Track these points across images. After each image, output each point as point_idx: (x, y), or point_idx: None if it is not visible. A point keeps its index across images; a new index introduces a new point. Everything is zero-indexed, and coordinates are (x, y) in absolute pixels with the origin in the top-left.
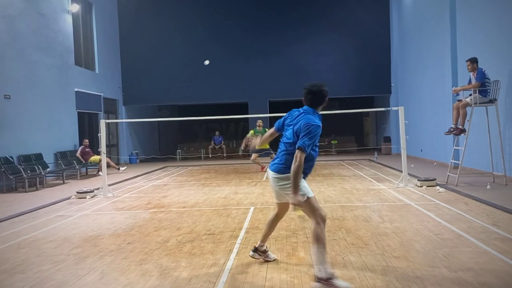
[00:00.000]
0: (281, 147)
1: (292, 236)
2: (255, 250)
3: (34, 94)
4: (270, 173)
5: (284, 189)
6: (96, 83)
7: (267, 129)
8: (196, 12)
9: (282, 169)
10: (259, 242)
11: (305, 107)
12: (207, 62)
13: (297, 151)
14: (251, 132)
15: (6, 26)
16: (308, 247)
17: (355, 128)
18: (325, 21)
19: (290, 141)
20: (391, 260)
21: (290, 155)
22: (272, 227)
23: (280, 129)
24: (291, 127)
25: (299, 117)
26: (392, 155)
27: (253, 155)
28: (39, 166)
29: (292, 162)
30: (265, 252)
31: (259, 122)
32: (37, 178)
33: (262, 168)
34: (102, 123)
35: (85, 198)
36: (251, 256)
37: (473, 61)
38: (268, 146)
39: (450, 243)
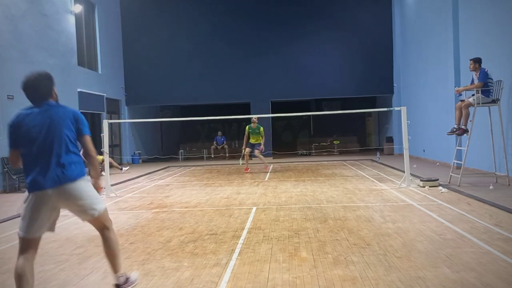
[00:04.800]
0: None
1: (294, 237)
2: None
3: None
4: None
5: None
6: (99, 83)
7: (261, 126)
8: (199, 13)
9: None
10: None
11: None
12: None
13: None
14: (247, 128)
15: (9, 27)
16: (310, 247)
17: (358, 128)
18: (328, 22)
19: None
20: (394, 261)
21: None
22: None
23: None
24: None
25: None
26: (395, 155)
27: (247, 150)
28: None
29: None
30: None
31: (254, 119)
32: None
33: (247, 169)
34: (105, 123)
35: None
36: None
37: (476, 61)
38: (260, 140)
39: (453, 243)
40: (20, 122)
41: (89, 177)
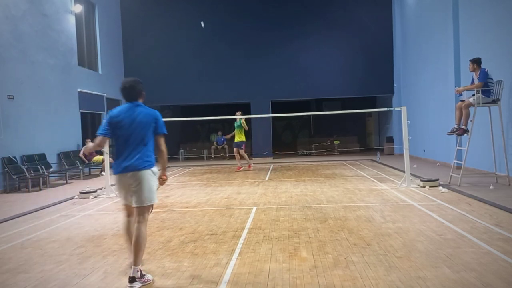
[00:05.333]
0: None
1: (294, 237)
2: None
3: (37, 95)
4: None
5: None
6: (99, 83)
7: (243, 120)
8: (199, 13)
9: None
10: None
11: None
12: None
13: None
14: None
15: (9, 27)
16: (310, 247)
17: (358, 128)
18: (328, 22)
19: None
20: (394, 261)
21: None
22: None
23: None
24: None
25: None
26: (395, 155)
27: (234, 150)
28: (42, 166)
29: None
30: None
31: (237, 113)
32: (40, 178)
33: (238, 168)
34: None
35: (88, 198)
36: None
37: (475, 61)
38: (244, 138)
39: (453, 243)
40: (116, 115)
41: (156, 169)
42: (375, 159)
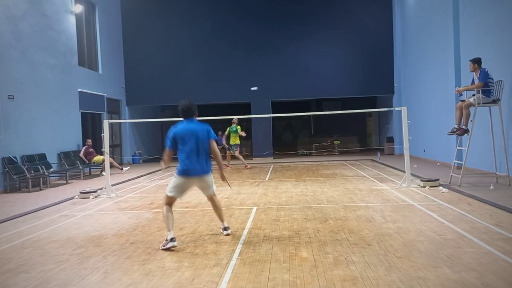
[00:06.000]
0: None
1: (294, 237)
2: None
3: (38, 95)
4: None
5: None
6: (99, 83)
7: (239, 126)
8: (199, 12)
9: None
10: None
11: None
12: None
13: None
14: (228, 129)
15: (9, 27)
16: (311, 247)
17: (358, 128)
18: (328, 22)
19: None
20: (394, 261)
21: None
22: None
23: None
24: None
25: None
26: (395, 155)
27: (228, 152)
28: (43, 166)
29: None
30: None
31: (234, 119)
32: (41, 178)
33: (226, 166)
34: (106, 123)
35: (89, 198)
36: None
37: (475, 61)
38: (239, 141)
39: (453, 243)
40: (179, 131)
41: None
42: (376, 159)
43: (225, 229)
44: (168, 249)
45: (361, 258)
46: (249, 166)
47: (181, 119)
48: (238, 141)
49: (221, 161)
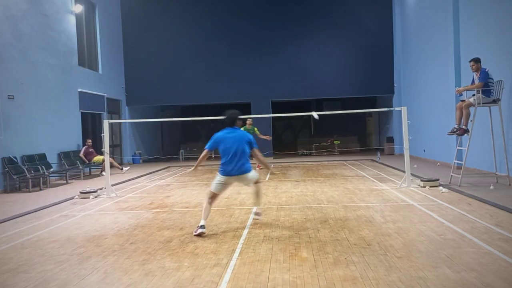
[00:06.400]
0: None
1: (294, 237)
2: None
3: (38, 95)
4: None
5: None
6: (99, 83)
7: (256, 128)
8: (199, 12)
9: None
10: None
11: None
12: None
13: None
14: (242, 129)
15: (9, 27)
16: (311, 247)
17: (358, 128)
18: (328, 22)
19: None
20: (394, 261)
21: None
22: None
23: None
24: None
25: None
26: (395, 155)
27: None
28: (43, 166)
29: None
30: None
31: (249, 120)
32: (41, 178)
33: (259, 166)
34: (106, 123)
35: (89, 198)
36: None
37: (477, 61)
38: None
39: (453, 243)
40: (222, 136)
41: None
42: (376, 159)
43: (257, 214)
44: (199, 235)
45: (361, 258)
46: (262, 167)
47: (190, 118)
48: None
49: (267, 163)
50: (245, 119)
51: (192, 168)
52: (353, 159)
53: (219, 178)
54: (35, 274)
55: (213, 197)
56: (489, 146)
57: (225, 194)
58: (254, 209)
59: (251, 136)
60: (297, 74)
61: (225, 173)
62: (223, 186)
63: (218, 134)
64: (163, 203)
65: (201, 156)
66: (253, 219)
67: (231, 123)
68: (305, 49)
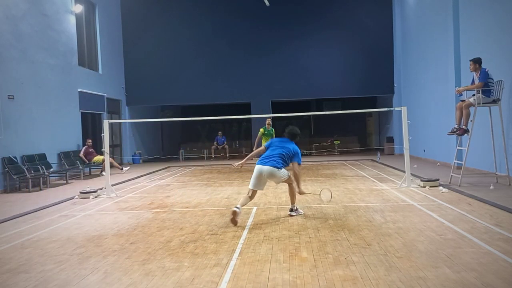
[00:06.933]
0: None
1: (294, 237)
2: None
3: (38, 95)
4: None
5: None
6: (99, 83)
7: (273, 129)
8: (199, 13)
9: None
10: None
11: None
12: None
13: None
14: (261, 130)
15: (9, 27)
16: (311, 247)
17: (358, 128)
18: (328, 22)
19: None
20: (394, 261)
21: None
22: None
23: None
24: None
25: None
26: (395, 155)
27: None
28: (43, 166)
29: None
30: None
31: (268, 121)
32: (41, 178)
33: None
34: (106, 123)
35: (89, 198)
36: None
37: (476, 61)
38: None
39: (453, 243)
40: (275, 140)
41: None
42: (376, 159)
43: (291, 210)
44: (233, 217)
45: (361, 258)
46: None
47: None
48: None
49: (299, 181)
50: (265, 119)
51: (239, 162)
52: (353, 159)
53: (254, 171)
54: (35, 274)
55: (251, 195)
56: (489, 146)
57: (225, 194)
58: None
59: (297, 150)
60: (297, 74)
61: (259, 162)
62: (258, 179)
63: (275, 139)
64: (163, 203)
65: (257, 150)
66: (288, 215)
67: (292, 137)
68: (305, 49)
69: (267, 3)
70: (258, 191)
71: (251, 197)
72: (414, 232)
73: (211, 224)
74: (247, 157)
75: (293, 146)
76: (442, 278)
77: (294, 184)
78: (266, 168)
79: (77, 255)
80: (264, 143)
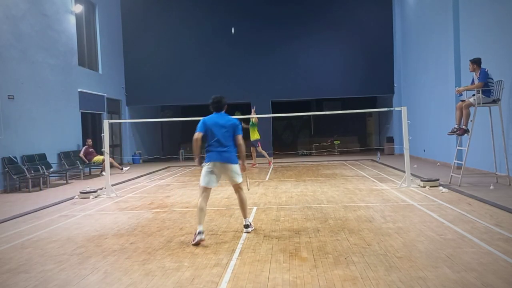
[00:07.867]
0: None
1: (294, 237)
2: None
3: (38, 95)
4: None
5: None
6: (99, 83)
7: (254, 119)
8: (199, 13)
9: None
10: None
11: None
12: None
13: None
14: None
15: (9, 27)
16: (311, 247)
17: (358, 128)
18: (328, 22)
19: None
20: (394, 261)
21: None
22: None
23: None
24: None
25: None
26: (395, 155)
27: (252, 149)
28: (43, 166)
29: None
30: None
31: (253, 110)
32: (41, 178)
33: (253, 165)
34: (106, 123)
35: (89, 198)
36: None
37: (475, 62)
38: (258, 137)
39: (453, 243)
40: (208, 120)
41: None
42: (376, 159)
43: (246, 227)
44: (197, 244)
45: (361, 258)
46: (271, 164)
47: (190, 118)
48: (257, 136)
49: (244, 154)
50: (265, 119)
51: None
52: (353, 159)
53: (204, 168)
54: (35, 274)
55: (203, 192)
56: (489, 146)
57: (225, 194)
58: (244, 221)
59: (237, 122)
60: (297, 74)
61: (210, 159)
62: (209, 175)
63: (207, 118)
64: (163, 203)
65: (195, 145)
66: (244, 231)
67: (219, 107)
68: (305, 49)
69: (233, 31)
70: (258, 191)
71: (206, 201)
72: (414, 232)
73: (211, 224)
74: (196, 147)
75: (228, 118)
76: (442, 278)
77: (243, 192)
78: (218, 165)
79: (77, 255)
80: (252, 137)
